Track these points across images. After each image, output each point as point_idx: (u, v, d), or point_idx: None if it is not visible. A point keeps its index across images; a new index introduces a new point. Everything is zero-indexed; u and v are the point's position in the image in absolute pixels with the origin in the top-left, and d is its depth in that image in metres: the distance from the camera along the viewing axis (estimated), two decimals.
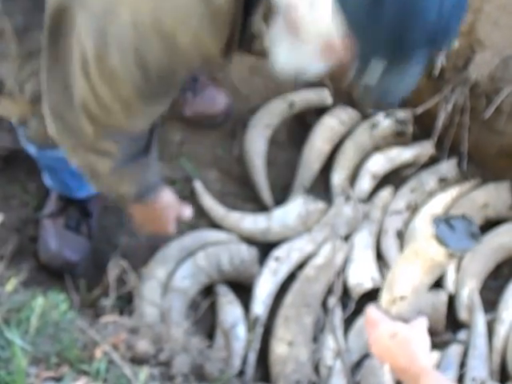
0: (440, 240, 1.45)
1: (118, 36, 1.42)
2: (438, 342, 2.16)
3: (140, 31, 1.41)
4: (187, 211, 2.03)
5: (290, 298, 2.17)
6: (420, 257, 1.50)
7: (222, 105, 2.47)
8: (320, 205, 2.34)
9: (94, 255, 2.24)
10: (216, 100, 2.47)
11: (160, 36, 1.41)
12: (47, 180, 2.19)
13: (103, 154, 1.68)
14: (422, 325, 1.52)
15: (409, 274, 1.55)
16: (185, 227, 2.32)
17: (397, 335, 1.48)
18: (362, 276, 2.20)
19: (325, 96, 2.52)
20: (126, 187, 1.80)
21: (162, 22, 1.39)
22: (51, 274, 2.17)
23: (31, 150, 2.00)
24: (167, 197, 1.96)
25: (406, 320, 1.52)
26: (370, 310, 1.54)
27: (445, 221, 1.46)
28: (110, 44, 1.43)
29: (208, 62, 1.51)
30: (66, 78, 1.54)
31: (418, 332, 1.49)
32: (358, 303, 2.17)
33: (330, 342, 2.10)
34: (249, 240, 2.28)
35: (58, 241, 2.19)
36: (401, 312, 1.53)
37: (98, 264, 2.19)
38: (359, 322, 2.14)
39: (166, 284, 2.14)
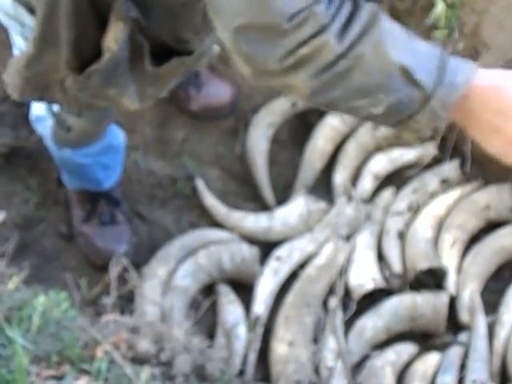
0: None
1: None
2: (439, 344, 2.15)
3: None
4: None
5: (290, 298, 2.16)
6: None
7: (228, 95, 2.46)
8: (322, 204, 2.33)
9: None
10: (221, 91, 2.46)
11: None
12: (72, 181, 2.17)
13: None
14: None
15: None
16: (186, 226, 2.32)
17: None
18: (363, 277, 2.19)
19: None
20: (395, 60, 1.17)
21: None
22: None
23: (65, 153, 1.99)
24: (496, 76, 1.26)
25: None
26: None
27: None
28: None
29: None
30: None
31: None
32: (358, 304, 2.16)
33: (330, 343, 2.10)
34: (250, 239, 2.28)
35: (101, 240, 2.20)
36: None
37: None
38: (360, 323, 2.14)
39: (167, 283, 2.13)
